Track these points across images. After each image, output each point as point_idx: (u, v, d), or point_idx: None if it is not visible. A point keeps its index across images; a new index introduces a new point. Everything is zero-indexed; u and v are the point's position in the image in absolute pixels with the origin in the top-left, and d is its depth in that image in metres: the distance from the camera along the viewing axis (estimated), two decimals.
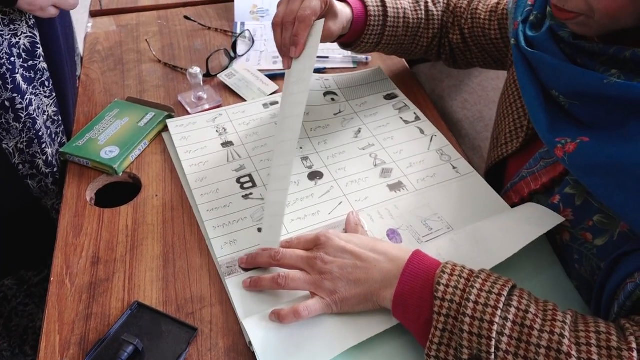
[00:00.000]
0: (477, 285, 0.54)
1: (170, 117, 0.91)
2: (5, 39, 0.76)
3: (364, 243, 0.64)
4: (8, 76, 0.76)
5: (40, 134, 0.84)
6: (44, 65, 0.85)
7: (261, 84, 1.00)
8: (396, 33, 0.90)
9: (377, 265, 0.61)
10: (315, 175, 0.82)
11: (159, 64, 1.06)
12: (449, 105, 1.45)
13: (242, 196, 0.78)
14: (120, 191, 0.82)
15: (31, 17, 0.81)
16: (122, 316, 0.63)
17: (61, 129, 0.91)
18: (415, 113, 0.93)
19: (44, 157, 0.85)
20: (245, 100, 0.97)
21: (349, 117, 0.92)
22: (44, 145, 0.85)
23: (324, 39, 0.80)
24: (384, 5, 0.88)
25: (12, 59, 0.77)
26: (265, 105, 0.95)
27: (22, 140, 0.82)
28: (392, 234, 0.73)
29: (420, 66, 1.34)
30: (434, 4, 0.92)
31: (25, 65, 0.81)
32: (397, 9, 0.89)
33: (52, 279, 0.68)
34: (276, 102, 0.96)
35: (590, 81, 0.57)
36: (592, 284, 0.62)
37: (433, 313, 0.54)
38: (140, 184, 0.81)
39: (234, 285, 0.66)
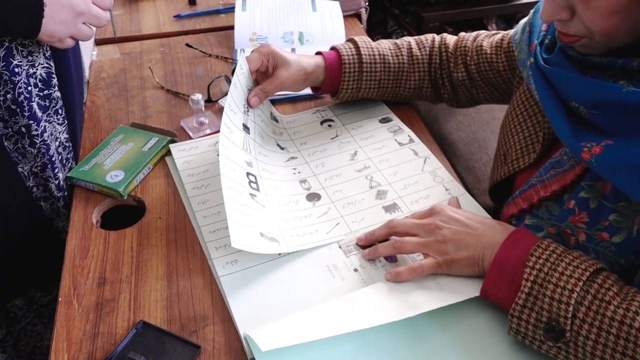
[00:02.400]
0: (567, 260, 0.61)
1: (173, 141, 0.94)
2: (24, 70, 0.80)
3: (472, 217, 0.71)
4: (25, 104, 0.80)
5: (53, 159, 0.87)
6: (58, 94, 0.88)
7: None
8: (375, 77, 0.96)
9: (486, 233, 0.68)
10: (313, 197, 0.85)
11: (161, 91, 1.10)
12: (443, 127, 1.48)
13: None
14: (125, 214, 0.85)
15: (48, 48, 0.85)
16: (127, 335, 0.65)
17: (71, 154, 0.94)
18: (409, 135, 0.97)
19: (57, 182, 0.89)
20: None
21: (345, 141, 0.96)
22: (56, 170, 0.88)
23: (284, 87, 0.91)
24: (358, 51, 0.95)
25: (29, 88, 0.81)
26: None
27: (36, 164, 0.86)
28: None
29: None
30: (419, 49, 0.98)
31: (41, 94, 0.85)
32: (373, 55, 0.96)
33: (60, 299, 0.70)
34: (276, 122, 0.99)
35: (611, 91, 0.61)
36: None
37: (522, 280, 0.61)
38: (144, 206, 0.84)
39: (236, 303, 0.69)
